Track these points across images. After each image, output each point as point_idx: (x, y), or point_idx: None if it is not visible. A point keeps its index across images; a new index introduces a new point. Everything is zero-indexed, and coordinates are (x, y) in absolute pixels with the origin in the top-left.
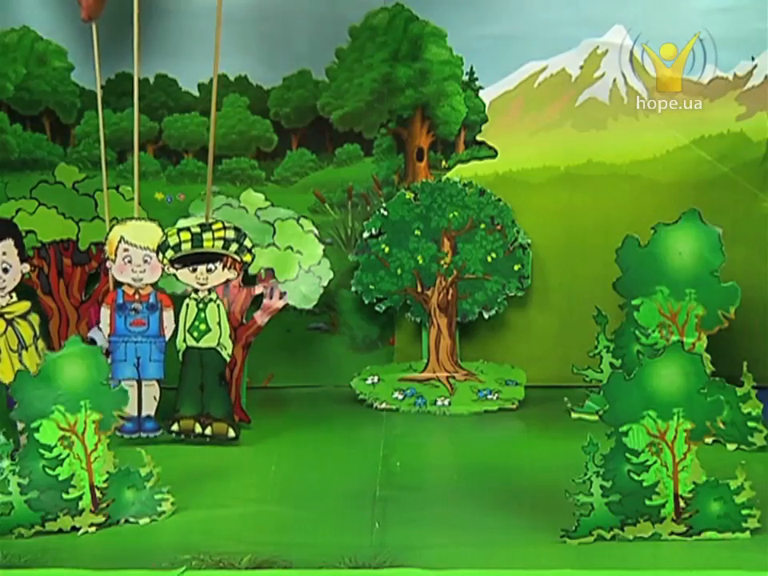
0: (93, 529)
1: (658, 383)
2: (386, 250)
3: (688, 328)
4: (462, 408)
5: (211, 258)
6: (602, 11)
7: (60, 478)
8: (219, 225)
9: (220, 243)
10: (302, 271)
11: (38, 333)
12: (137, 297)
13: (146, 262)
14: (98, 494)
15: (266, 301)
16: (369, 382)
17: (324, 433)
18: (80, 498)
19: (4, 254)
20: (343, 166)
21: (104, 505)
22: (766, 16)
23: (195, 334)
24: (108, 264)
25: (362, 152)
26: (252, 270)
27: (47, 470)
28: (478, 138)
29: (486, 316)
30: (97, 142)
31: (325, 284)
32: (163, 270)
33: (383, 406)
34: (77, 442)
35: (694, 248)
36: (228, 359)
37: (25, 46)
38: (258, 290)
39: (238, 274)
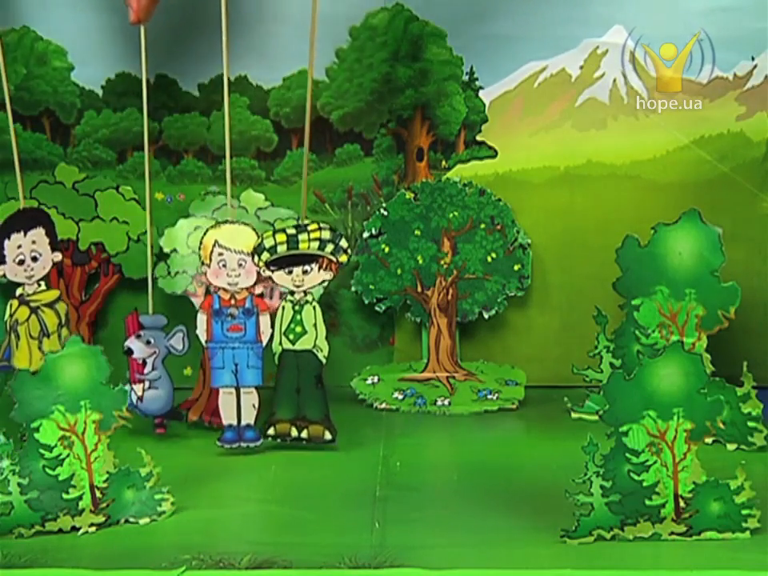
0: (93, 529)
1: (657, 383)
2: (386, 249)
3: (688, 328)
4: (462, 408)
5: (307, 259)
6: (602, 11)
7: (60, 478)
8: (315, 226)
9: (316, 244)
10: None
11: (63, 321)
12: (233, 302)
13: (240, 266)
14: (97, 494)
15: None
16: (369, 382)
17: None
18: (80, 497)
19: (34, 242)
20: (343, 166)
21: (104, 505)
22: (766, 16)
23: (291, 336)
24: (203, 269)
25: (362, 152)
26: None
27: (47, 469)
28: (478, 138)
29: (486, 316)
30: (97, 142)
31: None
32: (259, 273)
33: (383, 406)
34: (77, 442)
35: (694, 248)
36: (324, 361)
37: (25, 45)
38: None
39: (335, 275)
